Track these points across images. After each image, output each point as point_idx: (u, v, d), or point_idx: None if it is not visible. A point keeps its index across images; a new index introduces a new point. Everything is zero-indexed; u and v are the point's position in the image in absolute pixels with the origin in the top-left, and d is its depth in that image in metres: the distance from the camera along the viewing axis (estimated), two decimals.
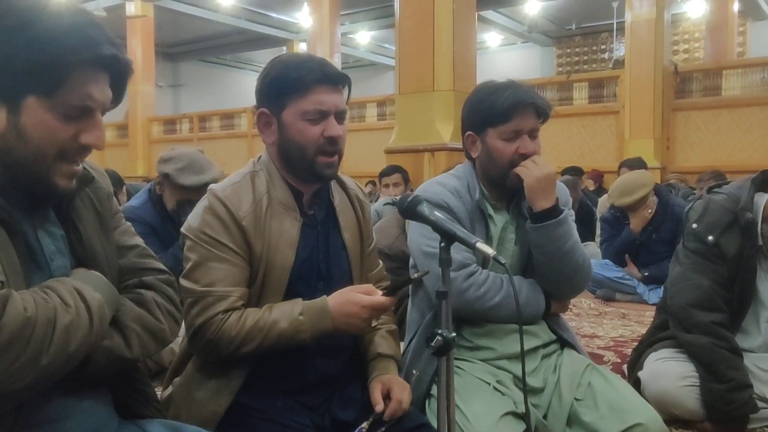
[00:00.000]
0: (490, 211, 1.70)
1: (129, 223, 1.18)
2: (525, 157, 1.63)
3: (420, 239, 1.68)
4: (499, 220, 1.70)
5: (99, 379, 1.03)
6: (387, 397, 1.39)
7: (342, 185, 1.53)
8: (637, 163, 5.68)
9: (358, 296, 1.30)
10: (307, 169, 1.39)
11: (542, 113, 1.65)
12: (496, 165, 1.66)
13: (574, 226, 1.70)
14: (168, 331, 1.10)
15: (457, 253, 1.57)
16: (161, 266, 1.16)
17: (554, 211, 1.61)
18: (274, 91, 1.37)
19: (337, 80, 1.37)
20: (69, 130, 0.94)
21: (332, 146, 1.37)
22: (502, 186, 1.69)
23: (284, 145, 1.39)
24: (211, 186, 1.41)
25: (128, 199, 3.75)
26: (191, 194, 2.54)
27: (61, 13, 0.92)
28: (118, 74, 0.98)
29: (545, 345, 1.70)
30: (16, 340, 0.81)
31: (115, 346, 1.00)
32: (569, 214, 1.73)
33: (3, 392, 0.83)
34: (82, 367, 0.96)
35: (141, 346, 1.04)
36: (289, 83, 1.35)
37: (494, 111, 1.62)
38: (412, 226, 1.75)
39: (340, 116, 1.38)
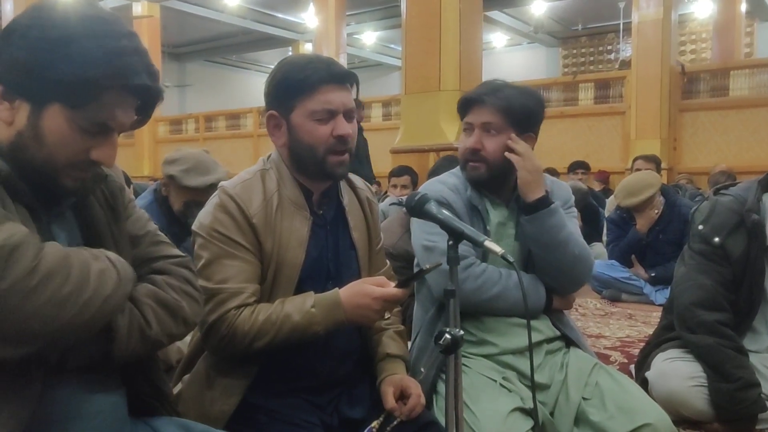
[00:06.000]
0: (488, 206, 1.72)
1: (142, 211, 1.18)
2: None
3: (420, 234, 1.71)
4: (496, 216, 1.72)
5: (125, 360, 1.02)
6: (400, 398, 1.40)
7: (351, 185, 1.54)
8: (653, 158, 5.66)
9: (370, 288, 1.29)
10: (318, 169, 1.39)
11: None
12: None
13: (574, 222, 1.73)
14: (186, 308, 1.06)
15: None
16: (174, 251, 1.15)
17: (545, 201, 1.64)
18: (282, 93, 1.37)
19: (343, 78, 1.37)
20: (83, 143, 0.95)
21: (342, 145, 1.37)
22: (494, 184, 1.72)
23: (294, 147, 1.39)
24: (222, 183, 1.41)
25: (135, 199, 3.76)
26: (197, 195, 2.53)
27: (108, 36, 0.93)
28: (148, 101, 1.00)
29: (549, 341, 1.70)
30: (59, 269, 0.83)
31: (135, 320, 0.99)
32: (572, 212, 1.76)
33: (43, 329, 0.83)
34: (108, 346, 0.96)
35: (158, 322, 1.02)
36: (295, 84, 1.35)
37: None
38: (414, 224, 1.76)
39: (348, 115, 1.38)
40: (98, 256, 0.91)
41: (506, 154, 1.65)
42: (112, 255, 0.95)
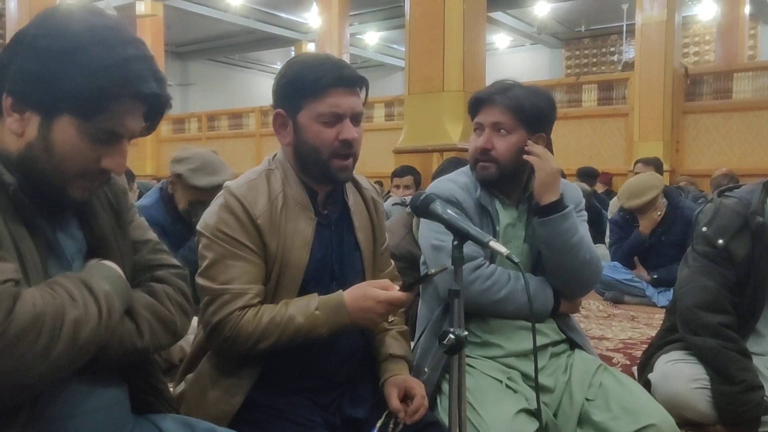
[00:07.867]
0: (498, 207, 1.70)
1: (142, 218, 1.19)
2: None
3: (429, 233, 1.70)
4: (506, 217, 1.71)
5: (111, 368, 1.03)
6: (403, 399, 1.40)
7: (356, 185, 1.53)
8: (653, 161, 5.66)
9: (374, 291, 1.29)
10: (321, 172, 1.39)
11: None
12: None
13: (585, 226, 1.71)
14: (179, 324, 1.08)
15: (465, 245, 1.58)
16: (174, 261, 1.16)
17: (560, 205, 1.63)
18: (291, 93, 1.37)
19: (353, 82, 1.36)
20: (93, 152, 0.95)
21: (347, 149, 1.37)
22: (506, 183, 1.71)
23: (299, 147, 1.39)
24: (227, 183, 1.41)
25: (139, 197, 3.76)
26: (203, 195, 2.53)
27: (115, 44, 0.93)
28: (156, 108, 1.00)
29: (554, 344, 1.70)
30: (26, 333, 0.82)
31: (126, 333, 1.00)
32: (582, 215, 1.75)
33: (14, 385, 0.83)
34: (94, 356, 0.95)
35: (152, 335, 1.03)
36: (305, 85, 1.34)
37: None
38: (423, 223, 1.76)
39: (355, 119, 1.37)
40: (77, 298, 0.88)
41: (525, 156, 1.65)
42: (95, 283, 0.92)
